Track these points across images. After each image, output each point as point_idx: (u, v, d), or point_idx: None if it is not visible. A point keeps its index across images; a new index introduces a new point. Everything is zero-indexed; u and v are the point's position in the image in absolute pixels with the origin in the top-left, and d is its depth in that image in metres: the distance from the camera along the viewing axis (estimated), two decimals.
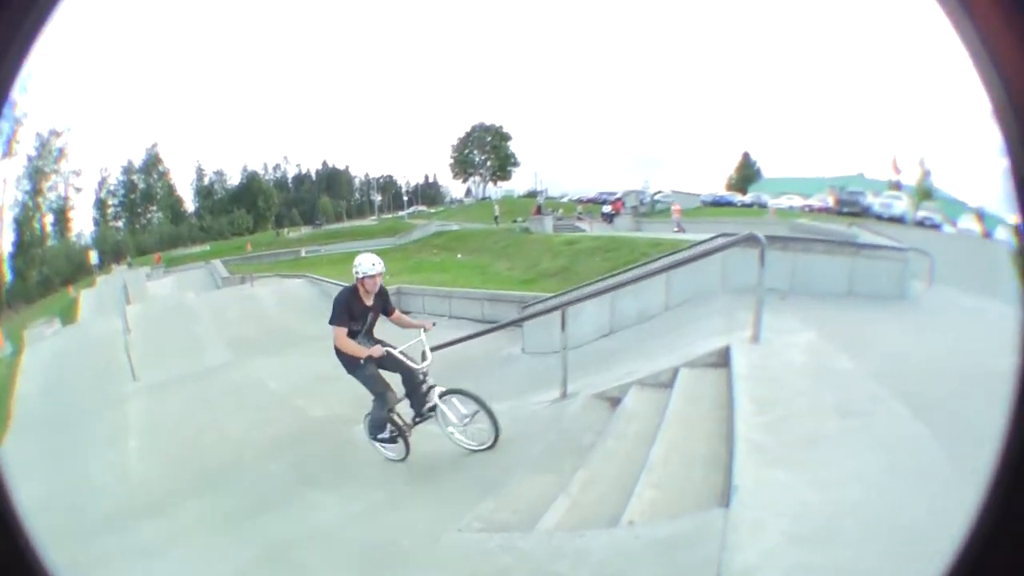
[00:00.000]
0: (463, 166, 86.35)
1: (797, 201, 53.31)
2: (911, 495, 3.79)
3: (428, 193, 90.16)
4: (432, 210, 78.56)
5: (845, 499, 3.68)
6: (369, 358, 7.01)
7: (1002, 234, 44.89)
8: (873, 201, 44.83)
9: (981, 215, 54.16)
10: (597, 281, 12.66)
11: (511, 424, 7.06)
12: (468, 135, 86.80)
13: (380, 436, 7.55)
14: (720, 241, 9.30)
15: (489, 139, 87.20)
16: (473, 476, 6.67)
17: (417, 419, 7.43)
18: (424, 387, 7.31)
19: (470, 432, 7.22)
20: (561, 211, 54.96)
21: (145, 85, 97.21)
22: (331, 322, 7.11)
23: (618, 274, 12.33)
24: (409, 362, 7.25)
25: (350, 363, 7.19)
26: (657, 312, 10.85)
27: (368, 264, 7.12)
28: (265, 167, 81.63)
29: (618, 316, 11.00)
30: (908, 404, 5.26)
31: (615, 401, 6.67)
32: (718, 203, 52.15)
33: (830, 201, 48.88)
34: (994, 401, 4.42)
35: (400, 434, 7.43)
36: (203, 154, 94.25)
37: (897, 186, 63.43)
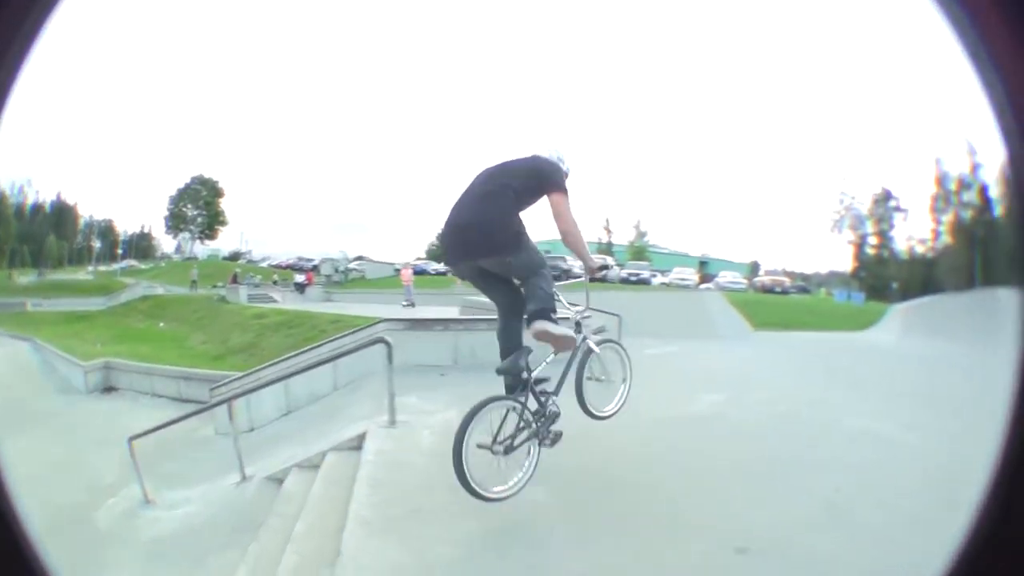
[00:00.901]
0: (176, 220, 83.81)
1: None
2: (504, 551, 4.76)
3: (142, 245, 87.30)
4: (144, 266, 76.60)
5: (436, 559, 4.56)
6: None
7: (727, 277, 49.33)
8: (573, 265, 47.65)
9: (704, 263, 59.97)
10: (276, 362, 13.55)
11: (206, 508, 8.09)
12: (186, 187, 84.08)
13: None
14: (355, 343, 10.33)
15: (204, 193, 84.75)
16: (187, 555, 7.52)
17: None
18: None
19: None
20: (259, 277, 54.38)
21: None
22: (562, 188, 5.49)
23: (296, 355, 13.18)
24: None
25: (536, 259, 5.51)
26: (327, 392, 11.48)
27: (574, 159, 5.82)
28: (12, 186, 77.29)
29: (293, 397, 11.66)
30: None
31: (281, 482, 7.53)
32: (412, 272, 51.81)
33: None
34: (626, 448, 7.13)
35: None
36: None
37: (608, 248, 68.03)
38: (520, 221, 5.46)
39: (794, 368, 15.22)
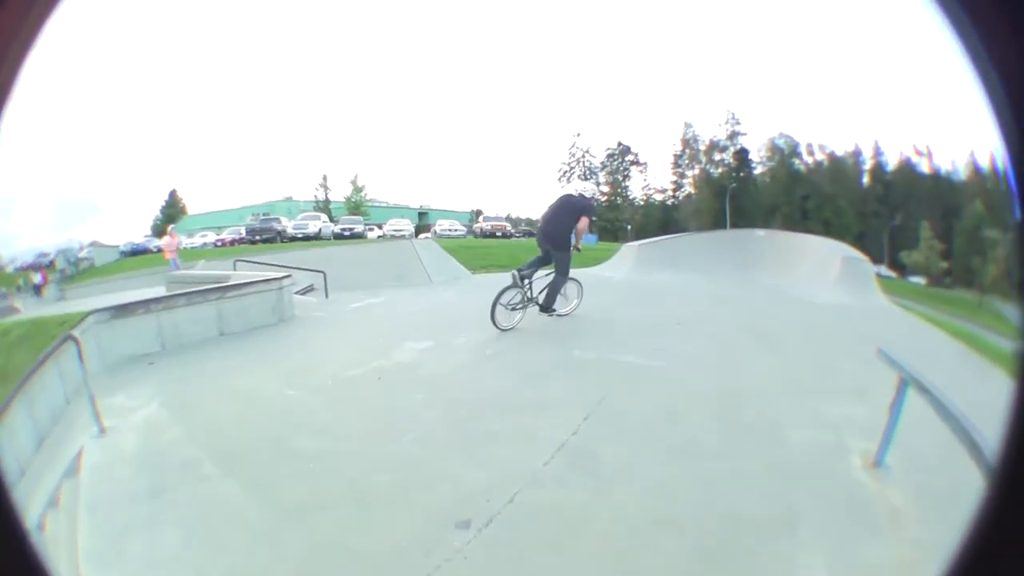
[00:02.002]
0: None
1: (211, 237, 52.77)
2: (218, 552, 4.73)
3: None
4: None
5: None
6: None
7: (444, 225, 49.75)
8: (287, 225, 47.03)
9: (423, 214, 60.68)
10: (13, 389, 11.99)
11: None
12: None
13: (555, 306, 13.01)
14: (45, 351, 9.00)
15: None
16: None
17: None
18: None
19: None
20: (3, 289, 49.83)
21: None
22: (589, 215, 12.89)
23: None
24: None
25: (568, 246, 12.83)
26: (62, 407, 9.66)
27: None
28: None
29: (40, 424, 9.19)
30: (223, 459, 6.33)
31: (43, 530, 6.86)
32: (136, 252, 47.21)
33: (242, 232, 49.52)
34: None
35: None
36: None
37: (325, 205, 67.39)
38: (570, 236, 12.70)
39: None
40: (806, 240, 27.66)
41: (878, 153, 64.56)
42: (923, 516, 5.10)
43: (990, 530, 1.16)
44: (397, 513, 5.21)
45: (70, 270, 52.57)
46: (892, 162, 63.38)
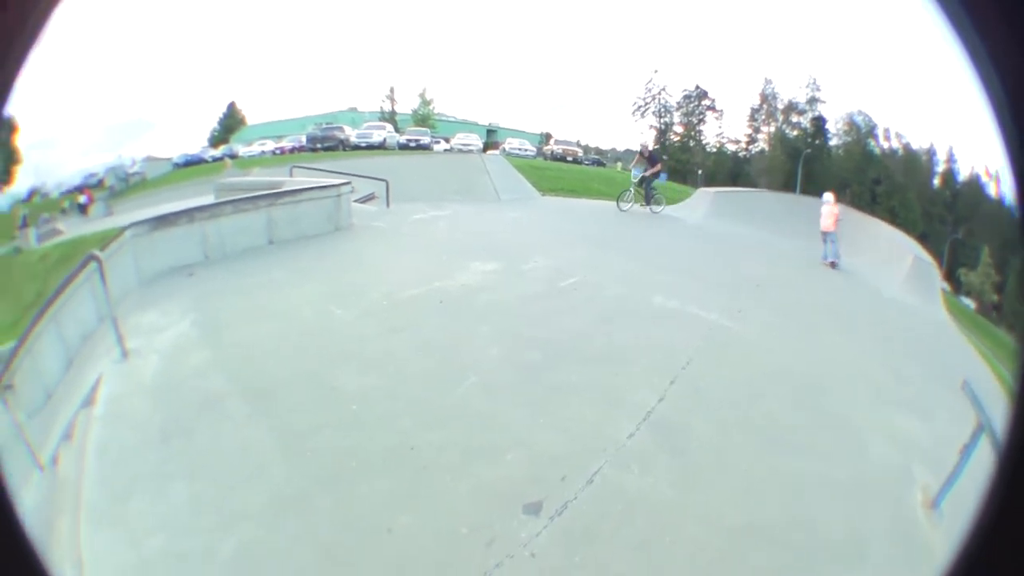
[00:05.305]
0: None
1: (269, 145, 52.07)
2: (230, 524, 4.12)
3: None
4: None
5: (150, 554, 4.01)
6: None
7: (515, 144, 49.14)
8: (350, 134, 46.21)
9: (492, 131, 59.79)
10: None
11: None
12: None
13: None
14: (68, 272, 8.67)
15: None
16: None
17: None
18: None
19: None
20: (46, 214, 49.45)
21: None
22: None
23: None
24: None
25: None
26: (93, 327, 8.89)
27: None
28: None
29: (71, 347, 9.03)
30: (251, 396, 5.58)
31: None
32: (190, 163, 46.87)
33: (303, 140, 48.40)
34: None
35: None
36: None
37: (391, 116, 66.63)
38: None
39: (583, 235, 14.85)
40: (879, 226, 26.79)
41: (951, 159, 62.88)
42: None
43: (990, 530, 1.17)
44: (455, 485, 4.45)
45: (119, 186, 52.03)
46: (964, 173, 61.79)
